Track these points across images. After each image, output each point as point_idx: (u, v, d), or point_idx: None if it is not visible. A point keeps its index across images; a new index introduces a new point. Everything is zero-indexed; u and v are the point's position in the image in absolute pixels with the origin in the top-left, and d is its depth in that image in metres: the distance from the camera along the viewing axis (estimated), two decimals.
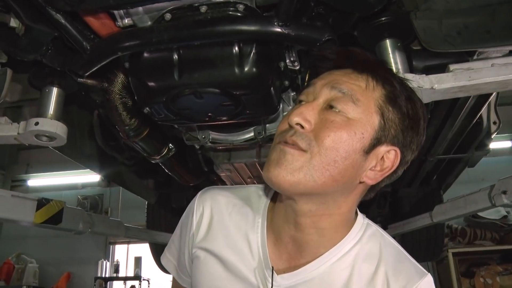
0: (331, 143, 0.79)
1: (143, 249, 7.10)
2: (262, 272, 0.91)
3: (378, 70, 0.87)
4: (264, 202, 1.00)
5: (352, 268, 0.88)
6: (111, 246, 8.14)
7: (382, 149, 0.84)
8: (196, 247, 1.00)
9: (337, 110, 0.82)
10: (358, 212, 0.96)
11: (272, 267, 0.90)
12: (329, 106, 0.83)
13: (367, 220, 0.96)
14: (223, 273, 0.94)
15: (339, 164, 0.80)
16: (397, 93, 0.85)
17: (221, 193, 1.04)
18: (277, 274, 0.90)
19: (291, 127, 0.84)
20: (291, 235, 0.91)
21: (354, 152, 0.81)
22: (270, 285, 0.89)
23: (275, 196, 1.00)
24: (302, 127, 0.82)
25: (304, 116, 0.82)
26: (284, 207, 0.91)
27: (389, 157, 0.85)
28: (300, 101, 0.90)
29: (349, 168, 0.81)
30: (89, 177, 8.05)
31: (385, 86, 0.85)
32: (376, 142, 0.83)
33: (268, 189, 1.02)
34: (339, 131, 0.80)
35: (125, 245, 8.20)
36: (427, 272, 0.88)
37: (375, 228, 0.95)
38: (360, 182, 0.86)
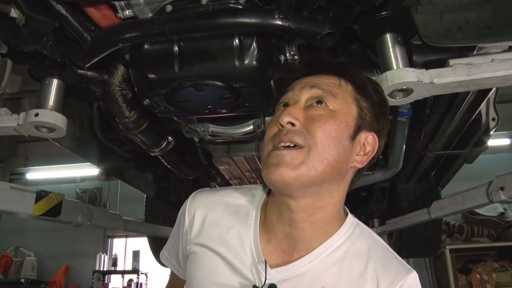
0: (323, 133, 0.87)
1: (141, 243, 7.12)
2: (256, 267, 0.93)
3: (346, 69, 0.98)
4: (257, 200, 1.04)
5: (342, 263, 0.92)
6: (109, 240, 8.16)
7: (363, 135, 0.94)
8: (192, 243, 1.02)
9: (320, 105, 0.91)
10: (348, 211, 1.01)
11: (265, 261, 0.92)
12: (313, 103, 0.92)
13: (356, 220, 1.01)
14: (222, 268, 0.96)
15: (333, 151, 0.87)
16: (365, 85, 0.97)
17: (214, 193, 1.09)
18: (271, 268, 0.92)
19: (281, 128, 0.90)
20: (285, 232, 0.94)
21: (343, 139, 0.89)
22: (264, 279, 0.90)
23: (268, 195, 1.04)
24: (293, 125, 0.89)
25: (294, 115, 0.89)
26: (278, 205, 0.95)
27: (368, 142, 0.95)
28: (284, 105, 0.97)
29: (341, 154, 0.89)
30: (88, 170, 8.05)
31: (355, 81, 0.96)
32: (358, 129, 0.92)
33: (262, 188, 1.06)
34: (328, 122, 0.88)
35: (123, 239, 8.22)
36: (413, 270, 0.94)
37: (364, 227, 1.01)
38: (350, 167, 0.94)
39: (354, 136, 0.91)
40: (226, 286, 0.94)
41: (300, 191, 0.88)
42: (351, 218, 0.99)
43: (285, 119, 0.88)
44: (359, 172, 0.99)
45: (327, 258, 0.91)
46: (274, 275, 0.91)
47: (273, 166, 0.86)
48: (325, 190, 0.91)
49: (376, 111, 0.96)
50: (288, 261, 0.93)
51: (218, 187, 1.19)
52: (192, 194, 1.10)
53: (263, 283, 0.90)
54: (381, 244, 0.98)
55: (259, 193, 1.05)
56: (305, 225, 0.92)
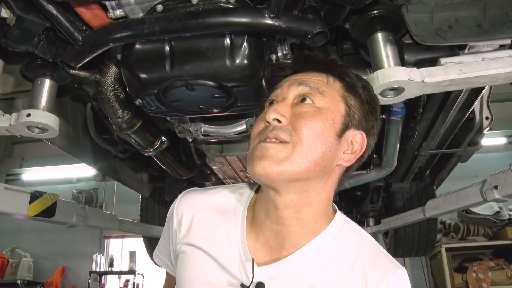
0: (309, 130, 0.87)
1: (137, 244, 7.11)
2: (243, 265, 0.93)
3: (334, 67, 0.98)
4: (245, 198, 1.04)
5: (330, 260, 0.92)
6: (105, 241, 8.15)
7: (351, 133, 0.94)
8: (181, 243, 1.03)
9: (307, 102, 0.91)
10: (337, 209, 1.01)
11: (252, 259, 0.93)
12: (300, 100, 0.92)
13: (345, 217, 1.01)
14: (210, 267, 0.96)
15: (319, 148, 0.87)
16: (354, 83, 0.97)
17: (201, 193, 1.10)
18: (258, 266, 0.92)
19: (267, 125, 0.91)
20: (273, 229, 0.95)
21: (329, 136, 0.89)
22: (251, 277, 0.91)
23: (255, 194, 1.04)
24: (279, 121, 0.89)
25: (280, 111, 0.90)
26: (265, 202, 0.95)
27: (357, 141, 0.95)
28: (271, 103, 0.97)
29: (327, 151, 0.89)
30: (84, 171, 8.04)
31: (343, 78, 0.97)
32: (345, 127, 0.92)
33: (250, 186, 1.07)
34: (314, 119, 0.88)
35: (120, 240, 8.21)
36: (401, 266, 0.94)
37: (352, 224, 1.01)
38: (336, 165, 0.94)
39: (341, 134, 0.91)
40: (214, 285, 0.94)
41: (284, 186, 0.89)
42: (339, 216, 0.99)
43: (271, 115, 0.89)
44: (347, 170, 0.99)
45: (315, 255, 0.92)
46: (261, 273, 0.91)
47: (257, 159, 0.87)
48: (311, 187, 0.91)
49: (365, 109, 0.96)
50: (276, 259, 0.93)
51: (208, 187, 1.18)
52: (180, 194, 1.11)
53: (250, 281, 0.90)
54: (370, 241, 0.98)
55: (247, 192, 1.06)
56: (292, 222, 0.92)
